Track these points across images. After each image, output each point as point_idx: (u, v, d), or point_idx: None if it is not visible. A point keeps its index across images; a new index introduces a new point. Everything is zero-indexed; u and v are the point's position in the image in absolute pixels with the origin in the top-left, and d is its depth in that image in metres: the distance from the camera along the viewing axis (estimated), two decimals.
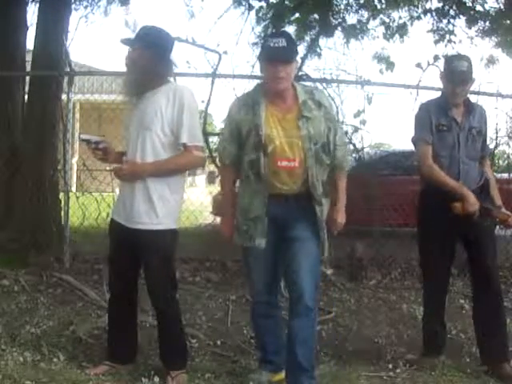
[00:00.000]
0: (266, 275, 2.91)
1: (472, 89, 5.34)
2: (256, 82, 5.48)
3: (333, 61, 6.85)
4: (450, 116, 3.16)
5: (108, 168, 3.01)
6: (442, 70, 3.30)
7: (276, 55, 2.70)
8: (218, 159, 3.00)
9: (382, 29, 7.20)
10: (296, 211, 2.79)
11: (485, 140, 3.25)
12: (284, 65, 2.70)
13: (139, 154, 2.81)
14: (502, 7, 6.68)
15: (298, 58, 3.02)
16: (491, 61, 7.29)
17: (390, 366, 3.24)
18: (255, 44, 7.07)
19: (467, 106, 3.21)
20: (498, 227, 3.54)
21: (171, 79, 2.99)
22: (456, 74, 3.11)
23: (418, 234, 3.38)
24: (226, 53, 5.59)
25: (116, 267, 2.98)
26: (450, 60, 3.25)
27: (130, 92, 2.89)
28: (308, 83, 5.25)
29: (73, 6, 6.39)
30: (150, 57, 2.81)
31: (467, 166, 3.16)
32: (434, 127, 3.17)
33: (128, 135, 2.90)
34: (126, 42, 2.93)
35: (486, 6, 6.78)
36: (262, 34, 7.04)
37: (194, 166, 3.04)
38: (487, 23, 6.84)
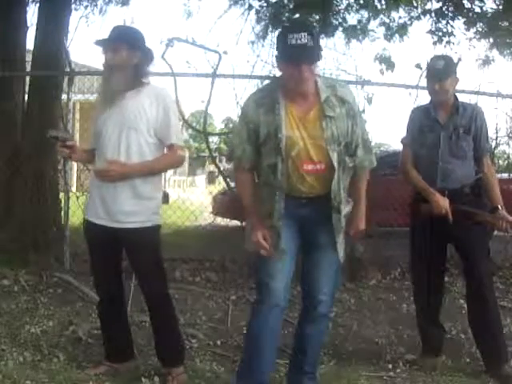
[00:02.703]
0: (281, 278, 2.60)
1: (472, 89, 5.40)
2: (255, 82, 5.55)
3: (333, 61, 6.86)
4: (432, 117, 3.22)
5: (91, 167, 2.98)
6: None
7: (300, 56, 2.35)
8: (234, 164, 2.68)
9: (382, 29, 7.20)
10: (319, 214, 2.59)
11: (479, 139, 3.21)
12: (309, 65, 2.39)
13: (124, 154, 2.77)
14: (500, 8, 6.66)
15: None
16: (486, 61, 7.28)
17: (390, 366, 3.25)
18: (253, 42, 7.07)
19: (454, 105, 3.23)
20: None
21: (149, 80, 2.93)
22: (431, 71, 3.22)
23: (409, 235, 3.40)
24: (226, 53, 5.58)
25: (100, 270, 2.96)
26: (430, 59, 3.29)
27: (114, 92, 2.80)
28: None
29: (73, 6, 6.38)
30: (138, 56, 2.80)
31: (450, 165, 3.16)
32: (416, 130, 3.25)
33: (104, 134, 2.82)
34: (102, 42, 2.83)
35: (484, 8, 6.76)
36: (261, 33, 7.05)
37: (178, 165, 3.07)
38: (485, 25, 6.83)
